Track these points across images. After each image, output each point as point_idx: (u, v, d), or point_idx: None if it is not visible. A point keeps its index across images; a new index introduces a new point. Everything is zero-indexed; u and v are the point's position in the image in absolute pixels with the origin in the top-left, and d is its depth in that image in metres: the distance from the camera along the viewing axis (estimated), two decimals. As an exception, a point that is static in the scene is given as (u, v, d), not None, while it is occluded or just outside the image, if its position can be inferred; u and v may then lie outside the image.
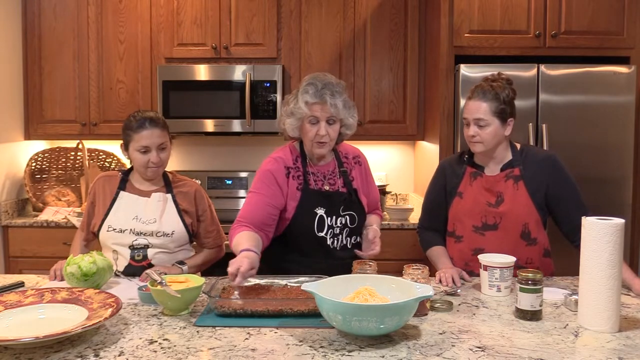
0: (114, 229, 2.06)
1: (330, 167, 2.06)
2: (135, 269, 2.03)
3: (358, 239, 2.06)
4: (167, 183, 2.15)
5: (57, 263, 1.98)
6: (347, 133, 2.02)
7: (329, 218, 1.98)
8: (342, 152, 2.11)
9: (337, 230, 2.00)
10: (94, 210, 2.15)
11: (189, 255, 2.17)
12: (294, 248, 2.00)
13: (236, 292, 1.69)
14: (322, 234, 1.98)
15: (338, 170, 2.06)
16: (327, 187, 2.01)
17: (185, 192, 2.15)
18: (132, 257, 2.05)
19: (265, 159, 2.04)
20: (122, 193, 2.11)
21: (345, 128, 2.00)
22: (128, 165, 2.19)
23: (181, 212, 2.12)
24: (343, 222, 2.01)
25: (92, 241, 2.20)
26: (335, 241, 2.00)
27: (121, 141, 2.10)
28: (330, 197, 2.00)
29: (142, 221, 2.06)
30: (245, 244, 1.77)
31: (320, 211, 1.97)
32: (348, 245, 2.02)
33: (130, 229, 2.05)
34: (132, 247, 2.05)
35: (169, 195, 2.13)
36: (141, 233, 2.05)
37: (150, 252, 2.06)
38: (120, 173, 2.16)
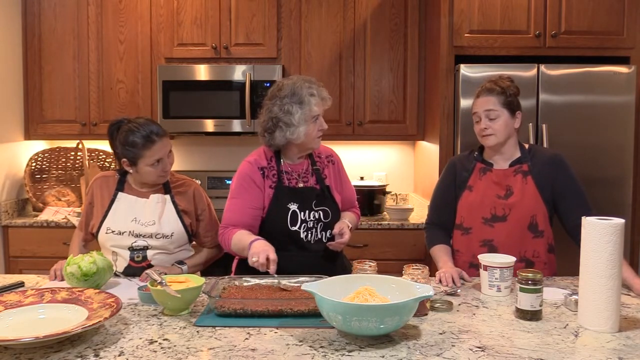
0: (113, 231, 2.05)
1: (303, 166, 2.12)
2: (135, 270, 2.03)
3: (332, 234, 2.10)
4: (165, 184, 2.14)
5: (57, 263, 1.98)
6: None
7: (302, 212, 2.03)
8: (315, 151, 2.16)
9: (311, 224, 2.05)
10: (92, 211, 2.14)
11: (189, 255, 2.17)
12: (271, 244, 2.00)
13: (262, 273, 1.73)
14: (296, 228, 2.03)
15: (311, 169, 2.12)
16: (300, 185, 2.08)
17: (183, 192, 2.15)
18: (131, 259, 2.05)
19: (241, 163, 2.10)
20: (120, 194, 2.10)
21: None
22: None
23: (180, 212, 2.11)
24: (316, 216, 2.05)
25: (90, 241, 2.20)
26: (309, 235, 2.05)
27: (124, 160, 2.03)
28: (302, 193, 2.05)
29: (141, 223, 2.05)
30: (252, 236, 1.90)
31: (293, 206, 2.03)
32: (323, 239, 2.07)
33: (129, 231, 2.04)
34: (131, 249, 2.05)
35: (167, 196, 2.12)
36: (140, 235, 2.04)
37: (149, 253, 2.05)
38: (117, 174, 2.15)
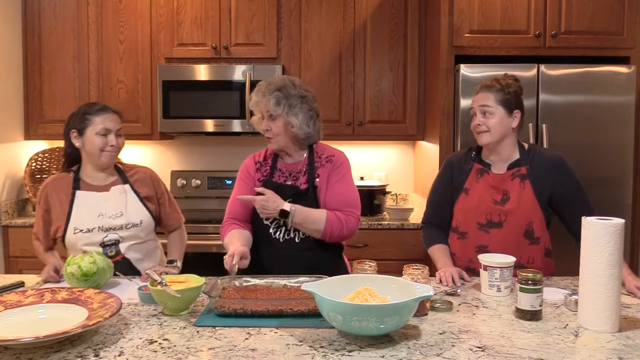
0: (81, 230, 2.03)
1: (298, 166, 2.12)
2: None
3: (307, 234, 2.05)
4: (121, 173, 2.17)
5: (47, 266, 1.96)
6: (296, 132, 2.05)
7: None
8: (318, 152, 2.14)
9: (282, 222, 2.03)
10: (49, 217, 2.09)
11: (156, 245, 2.20)
12: (255, 238, 2.10)
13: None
14: (267, 223, 2.06)
15: (305, 168, 2.11)
16: (289, 182, 2.09)
17: (141, 178, 2.18)
18: (104, 254, 2.02)
19: None
20: (78, 193, 2.07)
21: (291, 127, 2.04)
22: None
23: (143, 199, 2.14)
24: None
25: (52, 248, 2.16)
26: (279, 232, 2.05)
27: (73, 130, 2.07)
28: (281, 189, 2.04)
29: (108, 216, 2.06)
30: (235, 243, 1.92)
31: None
32: (296, 239, 2.05)
33: (98, 227, 2.04)
34: (103, 245, 2.04)
35: (127, 186, 2.14)
36: (110, 229, 2.05)
37: (122, 246, 2.06)
38: (70, 173, 2.12)
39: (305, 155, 2.13)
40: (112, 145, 2.06)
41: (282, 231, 2.06)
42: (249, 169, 2.15)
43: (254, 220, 2.10)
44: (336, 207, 2.04)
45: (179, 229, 2.31)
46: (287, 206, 1.95)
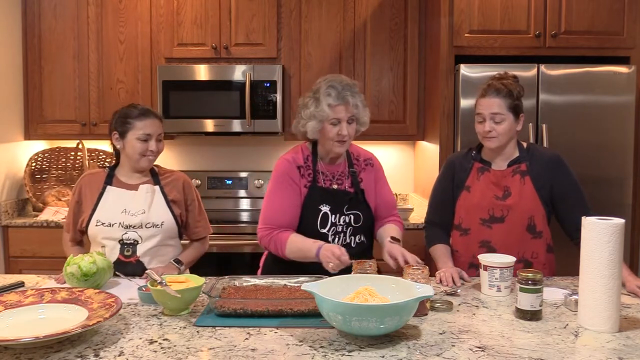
0: (103, 223, 2.06)
1: (340, 168, 2.10)
2: (124, 265, 2.03)
3: (362, 238, 2.08)
4: (155, 175, 2.17)
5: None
6: (361, 130, 2.08)
7: (333, 215, 2.02)
8: (354, 153, 2.15)
9: (340, 228, 2.03)
10: (80, 209, 2.14)
11: (179, 252, 2.18)
12: None
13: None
14: (324, 231, 2.01)
15: (347, 171, 2.09)
16: (335, 186, 2.06)
17: (172, 182, 2.17)
18: (121, 252, 2.05)
19: (278, 160, 2.10)
20: (108, 187, 2.12)
21: (360, 125, 2.06)
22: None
23: (170, 202, 2.13)
24: (347, 220, 2.04)
25: (80, 240, 2.20)
26: (337, 239, 2.03)
27: (115, 132, 2.11)
28: (335, 195, 2.03)
29: (131, 213, 2.06)
30: (314, 242, 1.89)
31: (325, 208, 2.01)
32: (352, 244, 2.05)
33: (119, 223, 2.05)
34: (121, 242, 2.05)
35: (157, 187, 2.14)
36: (130, 226, 2.05)
37: (139, 248, 2.06)
38: (106, 169, 2.18)
39: (344, 157, 2.12)
40: (151, 151, 2.07)
41: (341, 237, 2.04)
42: (291, 175, 2.04)
43: (306, 228, 2.02)
44: (388, 212, 2.16)
45: (203, 240, 2.28)
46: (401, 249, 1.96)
